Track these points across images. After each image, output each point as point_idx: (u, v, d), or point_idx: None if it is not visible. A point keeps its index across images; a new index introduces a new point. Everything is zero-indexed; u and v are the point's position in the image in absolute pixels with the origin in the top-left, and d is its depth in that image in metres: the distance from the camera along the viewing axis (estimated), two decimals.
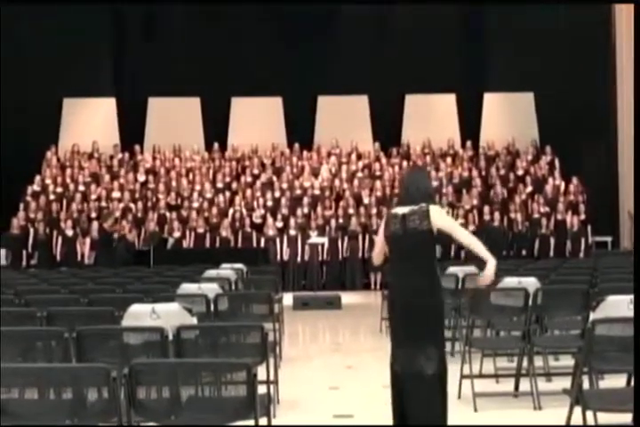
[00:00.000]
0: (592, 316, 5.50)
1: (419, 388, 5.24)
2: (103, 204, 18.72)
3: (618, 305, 5.50)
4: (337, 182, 19.57)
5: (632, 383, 5.48)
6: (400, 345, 5.36)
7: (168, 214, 18.41)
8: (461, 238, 5.36)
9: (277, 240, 17.84)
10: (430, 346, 5.27)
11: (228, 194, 19.24)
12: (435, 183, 19.23)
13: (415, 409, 5.23)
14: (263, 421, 4.44)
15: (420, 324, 5.28)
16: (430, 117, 21.28)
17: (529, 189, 19.32)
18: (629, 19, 18.87)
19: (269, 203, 18.89)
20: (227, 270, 10.93)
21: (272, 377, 6.22)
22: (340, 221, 18.15)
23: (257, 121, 21.14)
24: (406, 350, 5.30)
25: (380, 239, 5.57)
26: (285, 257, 17.78)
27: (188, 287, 8.48)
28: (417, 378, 5.24)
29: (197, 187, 19.38)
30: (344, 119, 20.95)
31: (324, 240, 17.25)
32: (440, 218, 5.34)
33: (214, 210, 18.38)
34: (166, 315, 5.70)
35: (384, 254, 5.59)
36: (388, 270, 5.64)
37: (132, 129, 21.11)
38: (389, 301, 5.58)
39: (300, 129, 21.13)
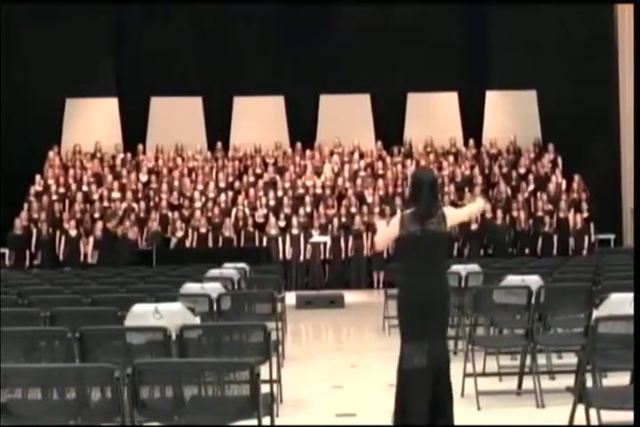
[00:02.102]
0: (595, 314, 5.51)
1: (441, 378, 5.42)
2: (106, 204, 18.72)
3: (621, 303, 5.50)
4: (339, 181, 19.54)
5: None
6: (417, 341, 5.44)
7: (170, 214, 18.40)
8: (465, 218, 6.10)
9: (280, 239, 17.84)
10: (444, 340, 5.58)
11: (230, 193, 19.21)
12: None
13: (442, 395, 5.41)
14: (266, 420, 4.44)
15: (439, 320, 5.53)
16: (432, 116, 21.25)
17: (531, 187, 19.30)
18: (631, 18, 18.85)
19: (272, 202, 18.87)
20: (229, 270, 10.95)
21: (275, 376, 6.25)
22: (343, 220, 18.14)
23: (259, 120, 21.12)
24: (422, 346, 5.41)
25: (390, 231, 5.63)
26: (288, 256, 17.76)
27: (190, 287, 8.50)
28: (436, 368, 5.40)
29: (200, 186, 19.35)
30: (346, 118, 20.92)
31: (327, 239, 17.26)
32: (452, 218, 5.61)
33: (217, 209, 18.38)
34: (169, 315, 5.71)
35: (387, 247, 5.82)
36: (402, 269, 5.71)
37: (134, 129, 21.10)
38: (404, 299, 5.60)
39: (303, 128, 21.10)
